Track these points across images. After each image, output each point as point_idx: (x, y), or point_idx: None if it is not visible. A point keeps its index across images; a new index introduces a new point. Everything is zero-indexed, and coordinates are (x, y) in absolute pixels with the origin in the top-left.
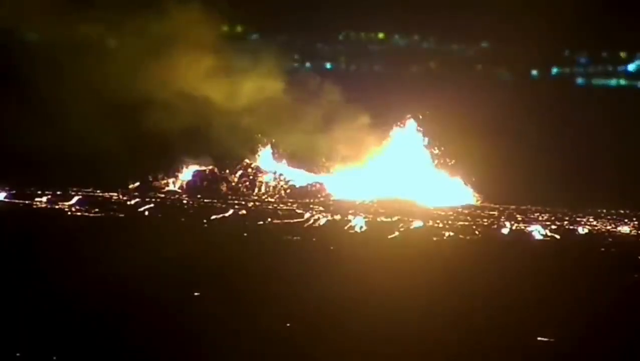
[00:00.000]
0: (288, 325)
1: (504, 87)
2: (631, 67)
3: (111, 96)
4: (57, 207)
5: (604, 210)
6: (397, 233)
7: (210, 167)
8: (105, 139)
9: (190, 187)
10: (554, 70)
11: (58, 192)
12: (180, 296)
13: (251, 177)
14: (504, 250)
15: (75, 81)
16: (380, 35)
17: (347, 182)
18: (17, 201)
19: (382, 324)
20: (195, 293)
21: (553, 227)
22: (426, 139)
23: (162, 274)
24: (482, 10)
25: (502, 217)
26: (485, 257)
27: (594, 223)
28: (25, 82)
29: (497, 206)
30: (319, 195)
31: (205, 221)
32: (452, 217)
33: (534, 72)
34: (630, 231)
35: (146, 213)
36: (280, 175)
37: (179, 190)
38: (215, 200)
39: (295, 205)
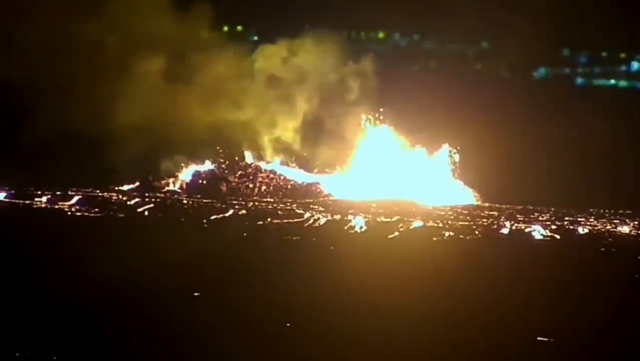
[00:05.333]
0: (288, 325)
1: (504, 87)
2: (631, 67)
3: (113, 95)
4: (57, 207)
5: (605, 210)
6: (397, 233)
7: (210, 167)
8: (105, 138)
9: (190, 187)
10: (553, 70)
11: (58, 192)
12: (181, 296)
13: (251, 177)
14: (504, 250)
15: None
16: (381, 35)
17: (347, 182)
18: (17, 201)
19: (383, 323)
20: (195, 294)
21: (553, 227)
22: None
23: (162, 274)
24: (482, 10)
25: (502, 217)
26: (485, 257)
27: (594, 223)
28: (25, 83)
29: (497, 206)
30: (319, 195)
31: (205, 221)
32: (452, 217)
33: (535, 72)
34: (630, 231)
35: (146, 213)
36: (280, 175)
37: (179, 190)
38: (215, 200)
39: (295, 205)
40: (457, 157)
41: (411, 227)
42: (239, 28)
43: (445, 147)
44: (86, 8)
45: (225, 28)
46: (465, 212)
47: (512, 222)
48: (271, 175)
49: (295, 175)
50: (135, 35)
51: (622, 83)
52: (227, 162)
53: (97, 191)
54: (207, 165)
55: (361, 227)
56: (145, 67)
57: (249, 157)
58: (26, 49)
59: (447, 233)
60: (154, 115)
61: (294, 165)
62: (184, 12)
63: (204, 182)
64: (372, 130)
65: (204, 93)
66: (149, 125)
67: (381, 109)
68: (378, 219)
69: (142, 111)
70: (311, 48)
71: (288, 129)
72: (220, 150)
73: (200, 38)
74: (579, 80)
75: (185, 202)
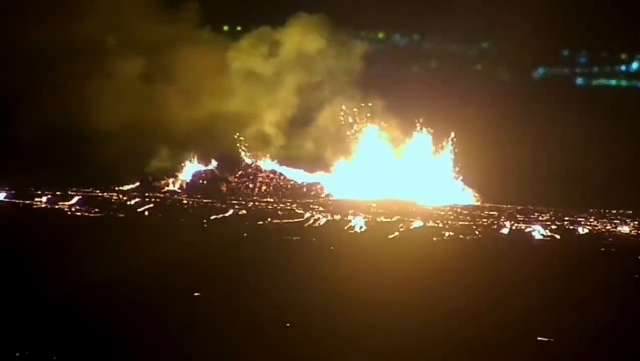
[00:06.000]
0: (288, 325)
1: (504, 87)
2: (631, 67)
3: (112, 95)
4: (57, 207)
5: (605, 210)
6: (397, 233)
7: (210, 167)
8: (105, 138)
9: (190, 187)
10: (553, 70)
11: (58, 192)
12: (181, 296)
13: (251, 177)
14: (504, 250)
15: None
16: (381, 35)
17: (347, 182)
18: (17, 201)
19: (382, 324)
20: (196, 294)
21: (553, 227)
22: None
23: (162, 274)
24: (482, 10)
25: (502, 217)
26: (485, 257)
27: (594, 223)
28: (26, 83)
29: (497, 206)
30: (319, 195)
31: (205, 221)
32: (452, 217)
33: (535, 72)
34: (630, 231)
35: (146, 213)
36: (280, 175)
37: (179, 190)
38: (215, 200)
39: (295, 205)
40: (457, 157)
41: (411, 227)
42: (238, 28)
43: (446, 147)
44: (73, 8)
45: (226, 27)
46: (465, 212)
47: (512, 222)
48: (271, 175)
49: (296, 175)
50: (121, 35)
51: (622, 83)
52: (223, 162)
53: (97, 191)
54: (206, 165)
55: (361, 227)
56: (128, 67)
57: (243, 155)
58: (14, 50)
59: (447, 233)
60: (137, 115)
61: (279, 162)
62: (173, 11)
63: (204, 182)
64: (368, 127)
65: (185, 91)
66: (133, 126)
67: (369, 104)
68: (378, 219)
69: (124, 111)
70: (294, 36)
71: (272, 125)
72: (204, 153)
73: (186, 36)
74: (579, 80)
75: (185, 202)
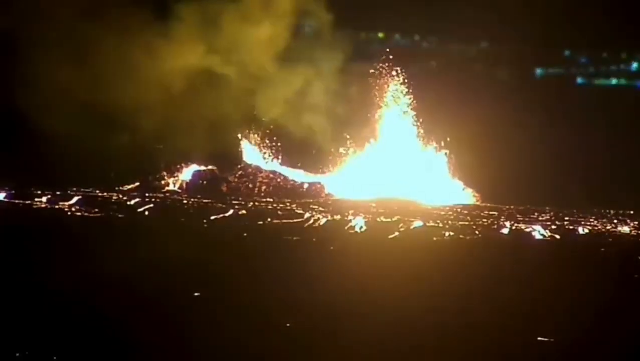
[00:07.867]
0: (288, 325)
1: (504, 87)
2: (632, 67)
3: (111, 94)
4: (57, 207)
5: (605, 210)
6: (397, 233)
7: (210, 167)
8: (105, 138)
9: (190, 187)
10: (553, 70)
11: (58, 192)
12: (181, 296)
13: (251, 177)
14: (504, 250)
15: (71, 78)
16: (381, 35)
17: (347, 181)
18: (17, 201)
19: (382, 324)
20: (196, 294)
21: (553, 227)
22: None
23: (162, 274)
24: (482, 10)
25: (502, 217)
26: (485, 257)
27: (594, 223)
28: (23, 81)
29: (498, 206)
30: (319, 195)
31: (205, 221)
32: (452, 217)
33: (535, 72)
34: (630, 231)
35: (146, 213)
36: (281, 175)
37: (179, 190)
38: (215, 200)
39: (295, 205)
40: (457, 157)
41: (411, 227)
42: None
43: (446, 147)
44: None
45: None
46: (465, 212)
47: (512, 222)
48: (271, 175)
49: (296, 175)
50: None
51: (622, 82)
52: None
53: (97, 191)
54: (207, 165)
55: (361, 227)
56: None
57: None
58: None
59: (447, 233)
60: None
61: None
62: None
63: (204, 182)
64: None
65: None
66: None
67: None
68: (378, 219)
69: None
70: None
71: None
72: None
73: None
74: (579, 80)
75: (185, 202)
